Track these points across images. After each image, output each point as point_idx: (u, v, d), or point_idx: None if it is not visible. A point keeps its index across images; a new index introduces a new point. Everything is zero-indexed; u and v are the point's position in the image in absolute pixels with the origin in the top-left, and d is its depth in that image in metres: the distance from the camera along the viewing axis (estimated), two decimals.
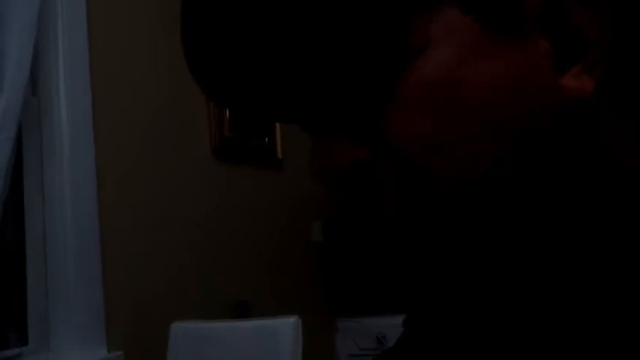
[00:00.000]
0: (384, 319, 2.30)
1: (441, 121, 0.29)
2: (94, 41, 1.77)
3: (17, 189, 1.63)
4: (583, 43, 0.29)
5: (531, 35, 0.29)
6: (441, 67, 0.29)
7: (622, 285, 0.29)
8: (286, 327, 1.55)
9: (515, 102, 0.29)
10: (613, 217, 0.30)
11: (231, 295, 2.08)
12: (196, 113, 2.11)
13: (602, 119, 0.31)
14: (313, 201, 2.48)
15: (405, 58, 0.29)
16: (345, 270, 2.57)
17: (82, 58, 1.73)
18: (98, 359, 1.66)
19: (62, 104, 1.67)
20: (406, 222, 0.31)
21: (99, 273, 1.71)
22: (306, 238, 2.53)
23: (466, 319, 0.34)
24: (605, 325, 0.28)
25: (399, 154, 0.30)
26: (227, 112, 2.19)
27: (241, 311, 2.01)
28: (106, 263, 1.73)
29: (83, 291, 1.67)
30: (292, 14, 0.28)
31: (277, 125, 2.40)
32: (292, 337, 1.54)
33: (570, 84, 0.29)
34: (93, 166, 1.72)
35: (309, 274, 2.53)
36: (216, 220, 2.12)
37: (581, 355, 0.28)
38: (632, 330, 0.28)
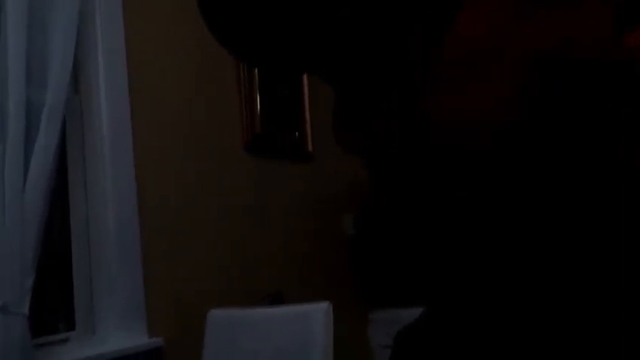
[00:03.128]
0: (418, 311, 2.29)
1: (481, 90, 0.27)
2: (130, 41, 1.84)
3: (62, 182, 1.71)
4: None
5: None
6: (483, 29, 0.27)
7: (627, 285, 0.28)
8: (318, 313, 1.59)
9: (563, 61, 0.27)
10: (623, 215, 0.29)
11: (265, 286, 2.13)
12: (228, 110, 2.17)
13: None
14: (345, 194, 2.51)
15: (440, 21, 0.27)
16: (378, 262, 2.59)
17: (119, 58, 1.80)
18: (139, 344, 1.73)
19: (102, 102, 1.75)
20: (415, 217, 0.30)
21: (139, 263, 1.78)
22: (339, 230, 2.56)
23: (470, 314, 0.33)
24: (606, 325, 0.28)
25: (428, 132, 0.28)
26: (258, 108, 2.24)
27: (276, 301, 2.05)
28: (146, 254, 1.80)
29: (125, 280, 1.74)
30: None
31: (307, 120, 2.44)
32: (324, 322, 1.57)
33: None
34: (132, 159, 1.79)
35: (342, 267, 2.56)
36: (249, 214, 2.17)
37: (582, 354, 0.28)
38: (632, 330, 0.27)
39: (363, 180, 0.35)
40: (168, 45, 1.98)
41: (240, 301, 1.90)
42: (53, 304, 1.81)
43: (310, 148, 2.45)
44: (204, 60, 1.93)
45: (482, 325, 0.32)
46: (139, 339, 1.73)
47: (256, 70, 2.16)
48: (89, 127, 1.75)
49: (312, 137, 2.44)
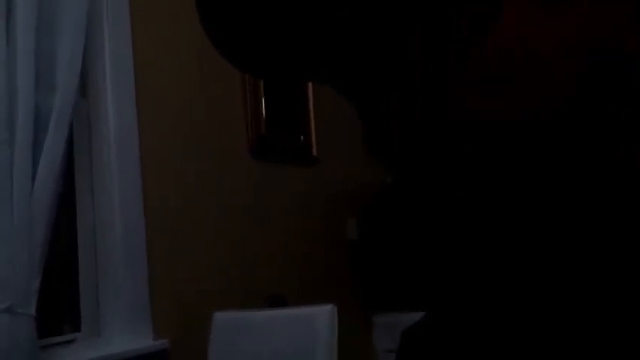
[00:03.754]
0: (421, 315, 2.30)
1: (515, 90, 0.27)
2: (138, 46, 1.86)
3: (69, 186, 1.73)
4: None
5: None
6: (516, 30, 0.27)
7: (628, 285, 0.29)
8: (322, 315, 1.59)
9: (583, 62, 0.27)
10: (623, 215, 0.29)
11: (268, 289, 2.14)
12: (233, 113, 2.18)
13: None
14: (348, 198, 2.52)
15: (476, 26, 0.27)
16: (381, 266, 2.59)
17: (127, 63, 1.82)
18: (145, 346, 1.74)
19: (109, 106, 1.77)
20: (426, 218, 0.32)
21: (145, 266, 1.79)
22: (342, 235, 2.57)
23: (470, 314, 0.34)
24: (606, 325, 0.29)
25: (464, 138, 0.28)
26: (263, 111, 2.26)
27: (276, 304, 2.05)
28: (152, 258, 1.82)
29: (131, 283, 1.75)
30: None
31: (312, 123, 2.46)
32: (328, 324, 1.58)
33: None
34: (138, 164, 1.81)
35: (346, 271, 2.56)
36: (253, 217, 2.18)
37: (582, 354, 0.28)
38: (632, 330, 0.28)
39: (367, 184, 0.35)
40: (175, 49, 1.99)
41: (244, 303, 1.90)
42: (59, 306, 1.82)
43: (315, 152, 2.46)
44: (211, 65, 1.95)
45: (485, 324, 0.32)
46: (144, 341, 1.75)
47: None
48: (96, 132, 1.77)
49: (317, 141, 2.45)
